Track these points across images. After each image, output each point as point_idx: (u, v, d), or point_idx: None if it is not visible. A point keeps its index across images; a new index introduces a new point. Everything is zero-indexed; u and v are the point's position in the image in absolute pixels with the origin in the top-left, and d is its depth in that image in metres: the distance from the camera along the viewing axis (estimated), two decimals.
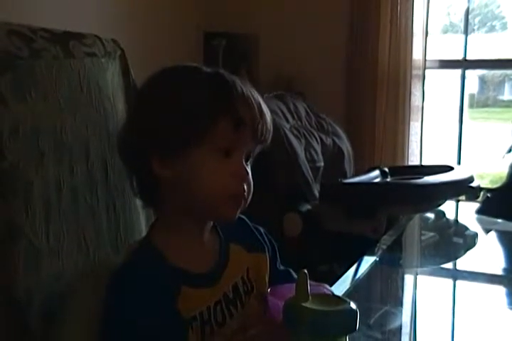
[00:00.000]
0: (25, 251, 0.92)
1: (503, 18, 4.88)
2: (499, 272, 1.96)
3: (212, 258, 0.96)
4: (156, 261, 0.90)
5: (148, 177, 0.91)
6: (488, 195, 2.73)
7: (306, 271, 0.81)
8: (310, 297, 0.78)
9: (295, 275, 1.08)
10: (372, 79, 3.61)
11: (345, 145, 3.37)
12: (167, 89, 0.92)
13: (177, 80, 0.93)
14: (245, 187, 0.91)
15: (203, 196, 0.90)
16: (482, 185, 3.00)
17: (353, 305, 0.78)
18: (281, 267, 1.09)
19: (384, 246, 1.96)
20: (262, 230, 1.07)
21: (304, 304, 0.77)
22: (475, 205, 2.74)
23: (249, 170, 0.92)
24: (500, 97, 5.80)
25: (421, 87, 3.62)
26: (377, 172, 3.09)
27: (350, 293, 1.44)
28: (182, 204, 0.92)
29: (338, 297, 0.82)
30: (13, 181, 0.92)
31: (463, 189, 2.78)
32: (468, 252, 2.17)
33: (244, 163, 0.91)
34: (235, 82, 0.91)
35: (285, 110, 3.11)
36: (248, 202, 0.94)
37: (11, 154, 0.92)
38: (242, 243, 1.01)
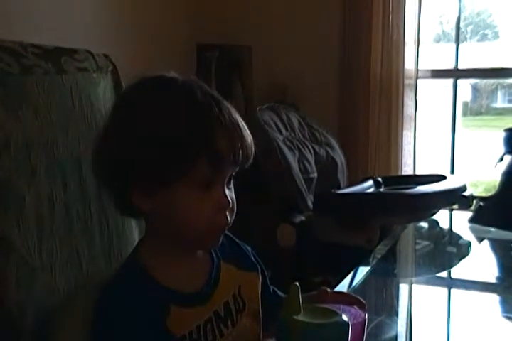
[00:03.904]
0: (18, 266, 0.92)
1: (495, 27, 4.89)
2: (493, 280, 1.97)
3: (203, 277, 0.93)
4: (143, 280, 0.88)
5: (129, 206, 0.89)
6: (481, 203, 2.74)
7: (297, 283, 0.81)
8: (302, 309, 0.79)
9: (281, 294, 1.08)
10: (365, 89, 3.61)
11: (339, 156, 3.37)
12: (141, 120, 0.87)
13: (150, 108, 0.87)
14: (228, 216, 0.89)
15: (186, 230, 0.87)
16: (475, 194, 3.01)
17: (344, 318, 0.79)
18: (270, 287, 1.08)
19: (378, 256, 1.96)
20: (249, 249, 1.04)
21: (295, 316, 0.78)
22: (468, 214, 2.75)
23: (231, 193, 0.89)
24: (493, 105, 5.81)
25: (413, 97, 3.62)
26: (370, 182, 3.09)
27: None
28: (166, 233, 0.90)
29: (329, 309, 0.82)
30: (5, 196, 0.92)
31: (456, 198, 2.78)
32: (462, 261, 2.18)
33: (226, 190, 0.88)
34: (211, 107, 0.85)
35: (278, 122, 3.11)
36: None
37: (3, 169, 0.92)
38: (233, 261, 0.98)
